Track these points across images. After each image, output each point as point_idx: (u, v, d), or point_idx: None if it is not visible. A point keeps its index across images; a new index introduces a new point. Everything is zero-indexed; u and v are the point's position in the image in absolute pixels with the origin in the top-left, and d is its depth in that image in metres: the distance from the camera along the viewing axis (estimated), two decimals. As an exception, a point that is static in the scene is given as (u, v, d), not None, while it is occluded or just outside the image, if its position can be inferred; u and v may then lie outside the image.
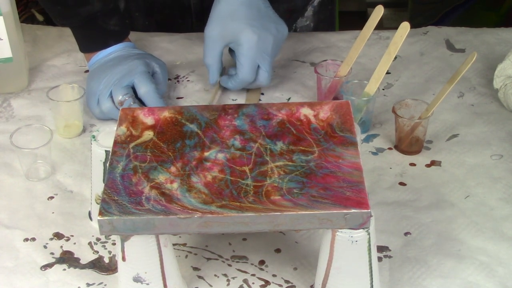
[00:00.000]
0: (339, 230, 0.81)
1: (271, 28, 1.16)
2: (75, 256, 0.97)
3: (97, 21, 1.21)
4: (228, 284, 0.93)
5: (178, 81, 1.30)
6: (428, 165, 1.10)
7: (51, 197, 1.06)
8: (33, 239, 0.99)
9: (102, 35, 1.23)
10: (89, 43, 1.24)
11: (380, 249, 0.96)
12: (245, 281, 0.93)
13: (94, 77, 1.20)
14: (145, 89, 1.16)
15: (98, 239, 0.99)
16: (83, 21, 1.21)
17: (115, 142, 0.89)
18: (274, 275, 0.94)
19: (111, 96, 1.17)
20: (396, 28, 1.09)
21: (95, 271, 0.95)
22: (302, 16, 1.46)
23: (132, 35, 1.30)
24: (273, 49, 1.18)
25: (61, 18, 1.23)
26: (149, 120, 0.93)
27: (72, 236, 1.00)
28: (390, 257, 0.96)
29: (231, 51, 1.21)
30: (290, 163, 0.86)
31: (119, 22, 1.24)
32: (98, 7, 1.20)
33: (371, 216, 0.81)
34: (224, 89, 1.25)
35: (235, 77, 1.19)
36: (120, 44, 1.24)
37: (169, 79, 1.29)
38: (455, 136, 1.16)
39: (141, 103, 1.18)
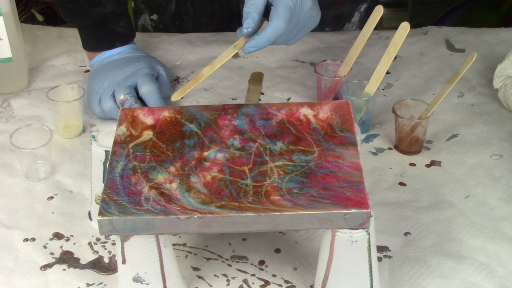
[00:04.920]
0: (339, 230, 0.81)
1: None
2: (75, 256, 0.97)
3: (107, 23, 1.21)
4: (228, 284, 0.93)
5: (178, 81, 1.30)
6: (428, 165, 1.10)
7: (51, 197, 1.06)
8: (33, 239, 0.99)
9: (110, 37, 1.23)
10: (95, 42, 1.24)
11: (380, 249, 0.96)
12: (245, 281, 0.93)
13: (98, 76, 1.20)
14: (147, 88, 1.16)
15: (98, 239, 0.99)
16: (93, 21, 1.21)
17: (115, 142, 0.89)
18: (274, 275, 0.94)
19: (113, 95, 1.17)
20: (396, 28, 1.09)
21: (95, 271, 0.95)
22: (349, 22, 1.46)
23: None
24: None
25: (71, 16, 1.22)
26: (148, 120, 0.93)
27: (72, 236, 1.00)
28: (390, 257, 0.96)
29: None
30: (289, 163, 0.86)
31: (127, 25, 1.24)
32: (110, 9, 1.20)
33: (371, 216, 0.81)
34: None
35: (265, 28, 1.02)
36: (125, 46, 1.24)
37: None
38: (455, 136, 1.16)
39: (143, 104, 1.18)
